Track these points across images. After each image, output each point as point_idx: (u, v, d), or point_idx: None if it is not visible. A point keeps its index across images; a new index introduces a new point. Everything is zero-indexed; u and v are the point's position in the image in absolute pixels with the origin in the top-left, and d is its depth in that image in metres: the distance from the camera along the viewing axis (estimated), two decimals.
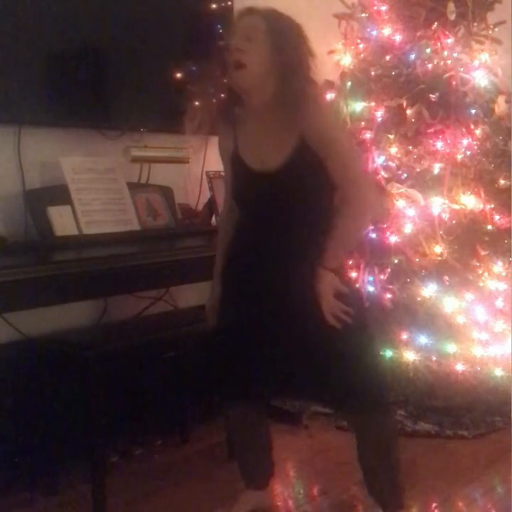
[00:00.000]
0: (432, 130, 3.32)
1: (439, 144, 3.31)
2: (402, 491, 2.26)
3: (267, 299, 2.10)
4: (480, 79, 3.42)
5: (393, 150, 3.34)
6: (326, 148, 2.02)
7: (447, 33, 3.40)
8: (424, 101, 3.31)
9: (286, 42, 2.02)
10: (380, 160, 3.34)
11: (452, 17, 3.36)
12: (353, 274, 3.29)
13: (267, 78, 2.04)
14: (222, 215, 2.37)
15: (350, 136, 2.04)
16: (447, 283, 3.22)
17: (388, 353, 3.18)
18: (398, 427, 2.30)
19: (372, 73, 3.45)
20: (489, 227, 3.33)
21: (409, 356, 3.16)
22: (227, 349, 2.21)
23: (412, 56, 3.40)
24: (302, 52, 2.05)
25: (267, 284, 2.09)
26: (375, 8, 3.50)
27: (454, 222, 3.30)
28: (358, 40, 3.55)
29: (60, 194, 2.62)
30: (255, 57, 2.02)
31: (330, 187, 2.07)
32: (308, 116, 2.01)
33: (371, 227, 3.25)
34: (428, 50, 3.40)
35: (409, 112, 3.30)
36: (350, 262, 3.32)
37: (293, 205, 2.06)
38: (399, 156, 3.35)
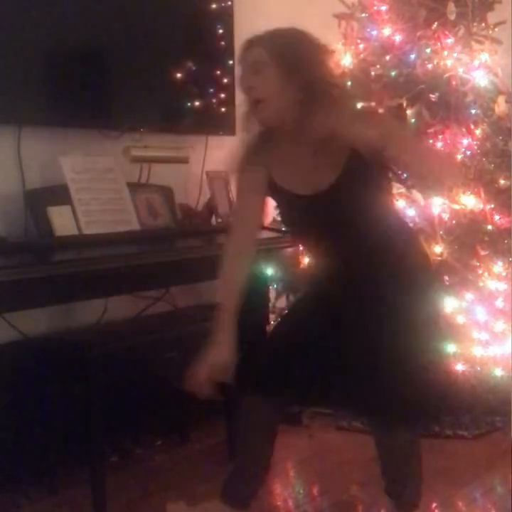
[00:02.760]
0: (432, 130, 3.32)
1: (439, 144, 3.31)
2: (419, 492, 2.24)
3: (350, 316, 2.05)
4: (480, 79, 3.41)
5: None
6: (378, 143, 1.86)
7: (447, 33, 3.39)
8: (424, 101, 3.31)
9: (294, 62, 1.96)
10: None
11: (452, 17, 3.36)
12: None
13: (290, 104, 1.98)
14: (232, 250, 2.11)
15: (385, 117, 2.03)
16: (447, 283, 3.22)
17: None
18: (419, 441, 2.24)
19: (372, 73, 3.44)
20: (489, 227, 3.33)
21: None
22: (286, 341, 2.15)
23: (412, 56, 3.39)
24: (313, 63, 1.98)
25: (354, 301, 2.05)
26: (375, 8, 3.50)
27: (454, 222, 3.29)
28: (358, 40, 3.54)
29: (60, 194, 2.62)
30: (268, 89, 1.98)
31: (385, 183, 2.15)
32: (339, 125, 1.90)
33: None
34: (428, 50, 3.39)
35: (409, 112, 3.30)
36: None
37: (352, 210, 2.02)
38: None
